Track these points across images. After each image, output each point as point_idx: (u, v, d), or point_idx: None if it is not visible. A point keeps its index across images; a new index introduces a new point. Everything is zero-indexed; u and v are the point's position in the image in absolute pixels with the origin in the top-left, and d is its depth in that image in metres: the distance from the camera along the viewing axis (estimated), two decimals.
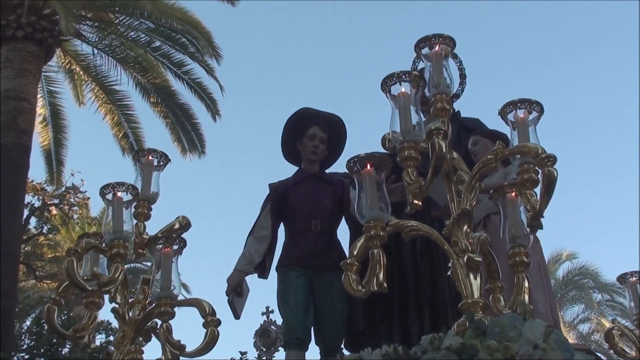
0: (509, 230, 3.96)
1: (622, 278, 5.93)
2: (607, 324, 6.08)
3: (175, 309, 4.22)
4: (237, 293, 5.66)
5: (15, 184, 13.38)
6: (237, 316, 5.61)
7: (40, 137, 17.05)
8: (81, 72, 16.56)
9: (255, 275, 5.92)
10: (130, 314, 4.45)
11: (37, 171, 17.18)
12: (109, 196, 4.45)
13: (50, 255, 22.74)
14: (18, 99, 13.83)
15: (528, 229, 3.95)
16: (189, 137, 16.37)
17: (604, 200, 42.43)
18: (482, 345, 3.20)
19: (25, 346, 13.40)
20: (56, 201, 20.17)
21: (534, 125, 4.00)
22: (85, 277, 4.46)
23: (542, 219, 3.86)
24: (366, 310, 5.76)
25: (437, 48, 4.05)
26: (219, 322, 4.22)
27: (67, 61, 16.48)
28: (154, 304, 4.27)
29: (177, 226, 4.63)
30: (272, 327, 5.05)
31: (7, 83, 13.84)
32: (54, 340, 11.36)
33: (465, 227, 3.77)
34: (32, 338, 12.41)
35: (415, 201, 3.70)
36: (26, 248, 19.68)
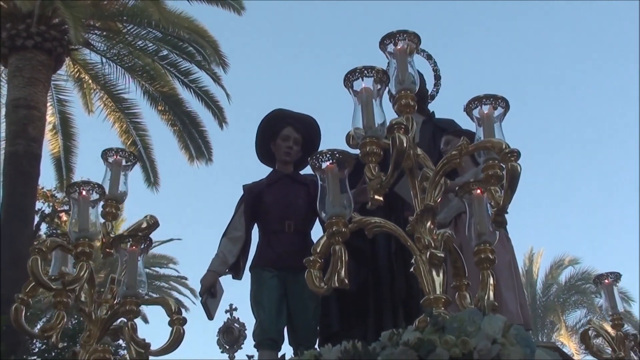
0: (475, 227, 3.86)
1: (597, 279, 5.86)
2: (609, 329, 6.03)
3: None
4: (210, 294, 5.56)
5: (26, 191, 13.60)
6: (210, 317, 5.50)
7: (50, 144, 17.17)
8: (90, 81, 16.72)
9: (230, 276, 5.81)
10: (98, 313, 4.36)
11: (47, 178, 17.40)
12: (75, 195, 4.34)
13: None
14: (28, 107, 14.06)
15: (493, 226, 3.85)
16: (196, 144, 16.46)
17: (606, 207, 42.34)
18: (440, 340, 3.10)
19: (36, 349, 13.51)
20: (66, 207, 19.61)
21: (499, 121, 3.89)
22: (52, 277, 4.37)
23: (506, 215, 3.75)
24: (341, 311, 5.66)
25: (401, 45, 3.96)
26: (184, 321, 4.13)
27: (76, 70, 16.65)
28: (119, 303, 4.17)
29: (144, 225, 4.53)
30: (235, 324, 4.97)
31: (17, 92, 14.08)
32: (65, 344, 11.35)
33: (429, 224, 3.67)
34: (43, 342, 12.67)
35: (376, 196, 3.60)
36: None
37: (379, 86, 3.77)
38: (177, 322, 4.10)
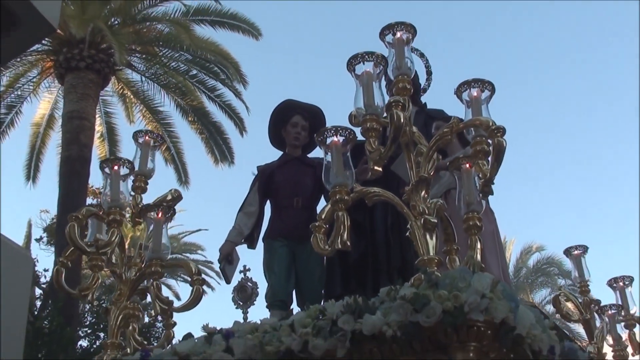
0: (464, 198, 3.68)
1: (567, 251, 5.67)
2: (570, 305, 5.91)
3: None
4: (228, 261, 5.39)
5: (78, 188, 14.02)
6: (228, 281, 5.33)
7: (98, 149, 17.38)
8: (131, 96, 17.06)
9: (245, 245, 5.63)
10: (128, 274, 4.18)
11: (95, 178, 17.34)
12: (107, 169, 4.16)
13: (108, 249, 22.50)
14: (80, 118, 14.45)
15: (480, 196, 3.65)
16: (221, 149, 16.62)
17: (568, 202, 42.20)
18: (434, 295, 2.91)
19: (87, 322, 13.47)
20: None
21: (486, 103, 3.70)
22: (88, 242, 4.19)
23: (492, 186, 3.55)
24: (343, 277, 5.46)
25: (399, 35, 3.75)
26: (203, 281, 3.95)
27: (120, 87, 17.03)
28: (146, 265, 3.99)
29: (169, 197, 4.36)
30: (248, 283, 4.80)
31: (72, 105, 14.50)
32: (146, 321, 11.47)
33: (423, 193, 3.48)
34: (93, 316, 13.23)
35: (376, 167, 3.41)
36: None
37: (378, 70, 3.60)
38: (197, 282, 3.95)
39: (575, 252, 5.62)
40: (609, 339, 5.38)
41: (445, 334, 2.88)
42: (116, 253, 4.19)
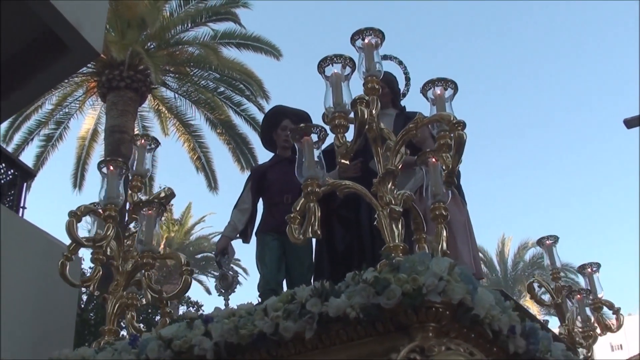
0: (431, 189, 3.49)
1: (540, 242, 5.47)
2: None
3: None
4: (223, 254, 5.21)
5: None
6: (223, 272, 5.15)
7: None
8: (166, 112, 17.25)
9: (240, 240, 5.45)
10: (125, 266, 4.02)
11: None
12: (104, 169, 4.00)
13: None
14: (120, 132, 14.48)
15: (445, 187, 3.46)
16: (246, 158, 16.45)
17: (561, 200, 41.85)
18: (395, 278, 2.72)
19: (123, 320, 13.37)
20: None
21: (450, 101, 3.52)
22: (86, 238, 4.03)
23: (454, 177, 3.36)
24: (331, 266, 5.27)
25: (367, 39, 3.57)
26: (192, 272, 3.78)
27: (155, 103, 17.22)
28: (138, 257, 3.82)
29: (162, 195, 4.19)
30: (229, 272, 4.62)
31: (113, 120, 14.64)
32: (149, 310, 11.38)
33: (390, 184, 3.29)
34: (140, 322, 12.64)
35: (343, 160, 3.23)
36: (128, 242, 19.80)
37: (346, 71, 3.41)
38: (186, 272, 3.78)
39: (547, 242, 5.43)
40: (578, 321, 5.17)
41: (406, 315, 2.69)
42: (114, 246, 4.02)
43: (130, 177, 4.17)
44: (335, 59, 3.39)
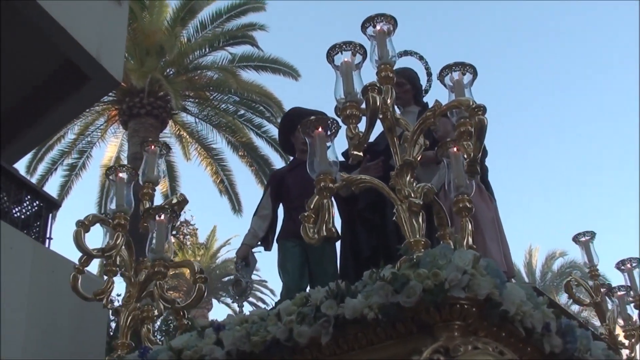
0: (453, 181, 3.25)
1: (576, 238, 5.18)
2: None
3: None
4: (245, 263, 4.99)
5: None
6: (246, 281, 4.94)
7: (160, 186, 17.19)
8: (187, 136, 17.21)
9: (262, 248, 5.23)
10: (138, 277, 3.84)
11: None
12: (112, 177, 3.83)
13: (171, 273, 22.61)
14: (143, 159, 14.02)
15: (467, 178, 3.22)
16: None
17: (587, 209, 41.09)
18: (414, 274, 2.49)
19: (156, 340, 13.28)
20: (174, 232, 20.54)
21: (469, 87, 3.28)
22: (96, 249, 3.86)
23: (477, 165, 3.11)
24: (356, 272, 5.03)
25: (379, 27, 3.36)
26: (205, 280, 3.58)
27: (177, 129, 17.19)
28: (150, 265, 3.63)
29: (174, 201, 4.01)
30: (242, 277, 4.42)
31: (135, 147, 14.32)
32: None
33: (408, 177, 3.06)
34: (162, 334, 12.81)
35: (355, 152, 3.00)
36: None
37: (356, 60, 3.19)
38: (200, 280, 3.58)
39: (583, 238, 5.14)
40: (620, 320, 4.87)
41: (428, 314, 2.46)
42: (126, 256, 3.84)
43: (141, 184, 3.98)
44: (344, 46, 3.18)
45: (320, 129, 3.13)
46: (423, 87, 5.41)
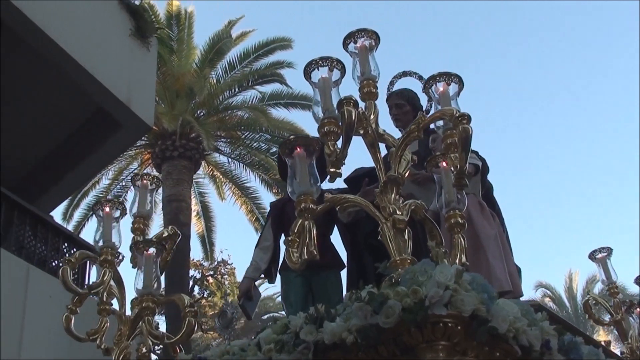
0: (444, 196, 3.08)
1: (592, 255, 4.94)
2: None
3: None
4: (247, 297, 4.84)
5: (181, 263, 14.08)
6: (249, 317, 4.78)
7: (196, 226, 17.77)
8: (220, 176, 17.46)
9: (266, 280, 5.09)
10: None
11: (196, 252, 17.92)
12: (100, 212, 3.73)
13: (211, 313, 22.86)
14: (178, 200, 14.77)
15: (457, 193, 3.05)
16: None
17: (625, 235, 40.19)
18: (393, 292, 2.32)
19: None
20: (211, 272, 20.88)
21: (455, 98, 3.12)
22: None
23: (465, 177, 2.94)
24: None
25: (360, 42, 3.23)
26: (195, 313, 3.43)
27: (210, 169, 17.44)
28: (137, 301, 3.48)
29: (165, 234, 3.88)
30: (228, 308, 4.26)
31: (169, 190, 14.85)
32: None
33: (393, 194, 2.90)
34: None
35: (333, 169, 2.86)
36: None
37: (334, 75, 3.06)
38: (189, 314, 3.41)
39: (600, 255, 4.89)
40: None
41: (410, 335, 2.29)
42: (117, 293, 3.71)
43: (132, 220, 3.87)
44: (320, 62, 3.05)
45: (299, 149, 2.99)
46: (424, 108, 5.26)
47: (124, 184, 16.87)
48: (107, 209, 3.70)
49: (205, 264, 19.89)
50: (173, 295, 3.58)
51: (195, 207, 17.14)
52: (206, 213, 17.79)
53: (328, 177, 2.91)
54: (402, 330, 2.29)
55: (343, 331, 2.38)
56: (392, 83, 5.24)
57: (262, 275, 5.02)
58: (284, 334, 2.60)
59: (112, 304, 3.83)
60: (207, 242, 18.01)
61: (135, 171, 16.53)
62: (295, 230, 2.95)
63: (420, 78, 5.23)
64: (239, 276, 21.95)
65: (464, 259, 2.96)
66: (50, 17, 8.06)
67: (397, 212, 2.82)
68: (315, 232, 2.89)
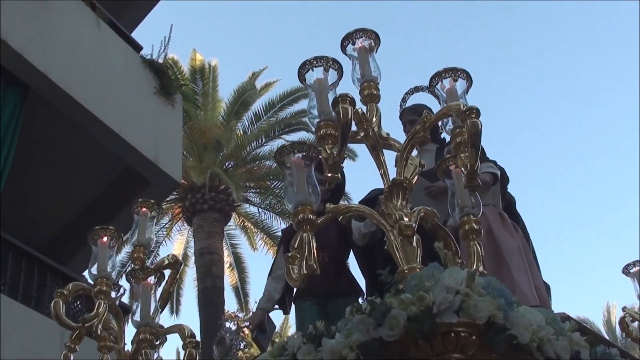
0: (457, 202, 2.82)
1: (626, 269, 4.60)
2: None
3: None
4: (261, 330, 4.58)
5: (215, 315, 13.94)
6: (263, 351, 4.50)
7: (229, 278, 17.70)
8: (252, 227, 17.44)
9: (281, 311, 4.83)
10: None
11: (230, 303, 17.67)
12: (95, 241, 3.53)
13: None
14: (210, 253, 14.71)
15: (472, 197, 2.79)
16: None
17: None
18: (397, 301, 2.05)
19: None
20: (247, 324, 20.03)
21: (464, 95, 2.89)
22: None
23: (477, 177, 2.68)
24: None
25: (359, 43, 3.02)
26: (197, 344, 3.19)
27: (240, 220, 17.46)
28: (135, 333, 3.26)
29: (165, 262, 3.67)
30: (227, 335, 3.99)
31: (200, 243, 14.89)
32: None
33: (399, 200, 2.65)
34: None
35: (330, 174, 2.62)
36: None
37: (330, 76, 2.85)
38: (190, 345, 3.19)
39: (634, 269, 4.56)
40: None
41: (418, 348, 2.02)
42: (115, 326, 3.49)
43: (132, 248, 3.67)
44: (315, 62, 2.84)
45: (295, 157, 2.76)
46: (439, 123, 5.02)
47: (156, 238, 16.83)
48: (104, 238, 3.49)
49: (241, 315, 19.70)
50: (173, 326, 3.34)
51: (227, 258, 17.09)
52: (239, 264, 17.75)
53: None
54: (409, 343, 2.02)
55: (344, 348, 2.12)
56: (404, 100, 5.04)
57: (277, 306, 4.76)
58: (281, 356, 2.35)
59: (114, 340, 3.61)
60: (241, 293, 17.97)
61: (167, 226, 16.90)
62: (295, 246, 2.71)
63: (432, 92, 5.01)
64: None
65: (481, 268, 2.68)
66: (75, 79, 8.23)
67: (404, 218, 2.56)
68: (315, 246, 2.64)
